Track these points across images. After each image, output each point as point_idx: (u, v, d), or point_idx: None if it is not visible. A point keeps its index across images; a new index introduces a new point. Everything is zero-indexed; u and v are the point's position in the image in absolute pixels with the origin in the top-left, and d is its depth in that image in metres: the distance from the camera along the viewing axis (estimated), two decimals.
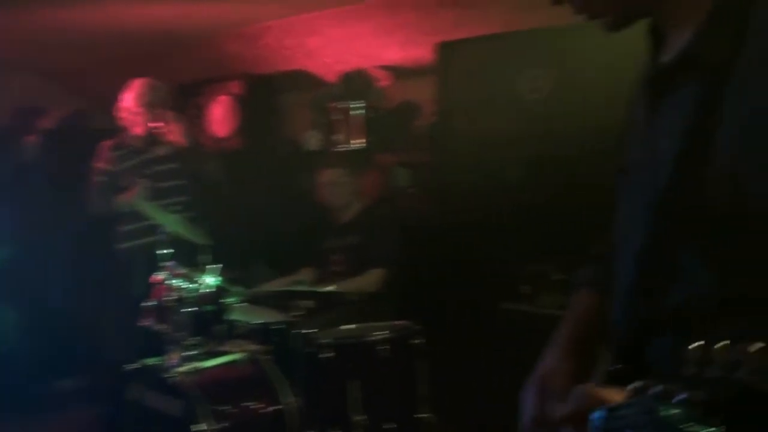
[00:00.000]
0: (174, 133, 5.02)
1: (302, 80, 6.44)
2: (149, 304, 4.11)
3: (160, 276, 4.11)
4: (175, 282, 4.04)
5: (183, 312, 3.98)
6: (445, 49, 5.38)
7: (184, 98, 6.37)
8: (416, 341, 4.08)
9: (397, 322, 4.19)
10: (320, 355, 3.94)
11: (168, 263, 4.11)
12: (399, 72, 6.03)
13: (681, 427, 0.84)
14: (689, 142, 1.22)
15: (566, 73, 4.82)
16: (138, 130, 4.96)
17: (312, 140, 6.25)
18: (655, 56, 1.39)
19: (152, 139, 4.96)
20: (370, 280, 4.69)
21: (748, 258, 1.16)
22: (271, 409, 3.88)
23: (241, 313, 4.23)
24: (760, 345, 0.78)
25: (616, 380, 1.29)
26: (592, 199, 4.28)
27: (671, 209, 1.25)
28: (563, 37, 4.74)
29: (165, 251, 4.14)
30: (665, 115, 1.31)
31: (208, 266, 4.14)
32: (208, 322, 4.05)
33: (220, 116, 6.55)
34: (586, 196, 4.51)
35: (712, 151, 1.17)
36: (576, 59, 4.71)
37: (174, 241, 4.21)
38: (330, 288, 4.54)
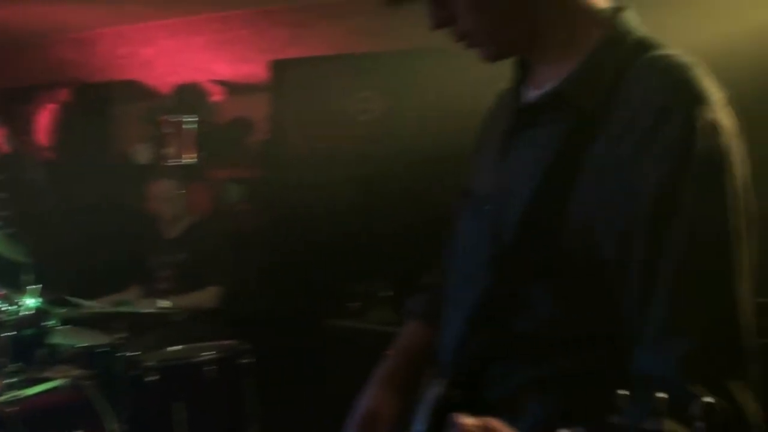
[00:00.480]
0: None
1: (135, 91, 6.30)
2: None
3: None
4: None
5: (2, 336, 3.86)
6: (278, 66, 5.42)
7: (10, 104, 6.15)
8: (244, 360, 4.08)
9: (224, 342, 4.17)
10: (145, 378, 3.88)
11: None
12: (232, 87, 6.01)
13: None
14: (545, 184, 1.22)
15: (397, 97, 4.96)
16: None
17: (142, 153, 6.14)
18: (519, 90, 1.38)
19: None
20: (200, 297, 4.66)
21: (595, 297, 1.20)
22: None
23: (63, 336, 4.11)
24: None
25: (448, 405, 1.28)
26: (421, 220, 4.44)
27: (520, 246, 1.25)
28: (396, 63, 4.88)
29: None
30: (522, 150, 1.30)
31: (29, 287, 4.01)
32: (28, 346, 3.92)
33: (47, 125, 6.35)
34: (415, 216, 4.67)
35: (567, 196, 1.19)
36: (407, 84, 4.85)
37: None
38: (158, 307, 4.48)
